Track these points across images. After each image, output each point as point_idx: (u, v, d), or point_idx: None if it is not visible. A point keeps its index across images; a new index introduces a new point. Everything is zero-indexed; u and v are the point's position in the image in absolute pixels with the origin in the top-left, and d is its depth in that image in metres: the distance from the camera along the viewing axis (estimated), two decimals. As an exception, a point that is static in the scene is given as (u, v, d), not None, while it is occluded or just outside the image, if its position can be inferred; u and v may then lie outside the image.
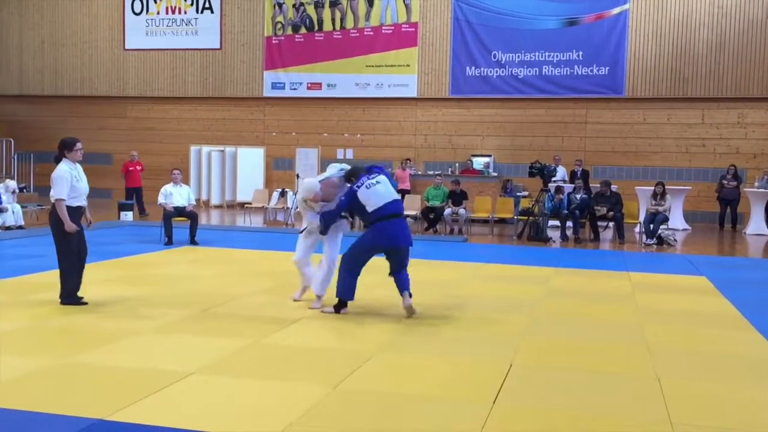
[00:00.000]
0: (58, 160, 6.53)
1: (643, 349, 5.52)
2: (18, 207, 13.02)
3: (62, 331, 5.63)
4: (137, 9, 20.82)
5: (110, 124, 21.28)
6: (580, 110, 18.22)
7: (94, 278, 8.05)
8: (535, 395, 4.40)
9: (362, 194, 6.23)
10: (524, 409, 4.13)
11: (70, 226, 6.33)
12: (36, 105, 21.74)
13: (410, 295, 6.37)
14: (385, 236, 6.28)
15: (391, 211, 6.29)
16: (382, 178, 6.40)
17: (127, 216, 14.91)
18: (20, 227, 12.70)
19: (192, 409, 3.98)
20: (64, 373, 4.58)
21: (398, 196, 6.60)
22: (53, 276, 8.03)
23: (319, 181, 6.73)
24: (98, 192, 21.06)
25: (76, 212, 6.48)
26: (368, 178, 6.33)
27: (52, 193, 6.39)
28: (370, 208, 6.24)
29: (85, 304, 6.51)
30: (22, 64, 21.70)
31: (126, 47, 20.93)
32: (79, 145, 6.60)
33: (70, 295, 6.52)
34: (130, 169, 16.46)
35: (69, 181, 6.36)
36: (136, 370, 4.62)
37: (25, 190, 16.78)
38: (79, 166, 6.62)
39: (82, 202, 6.58)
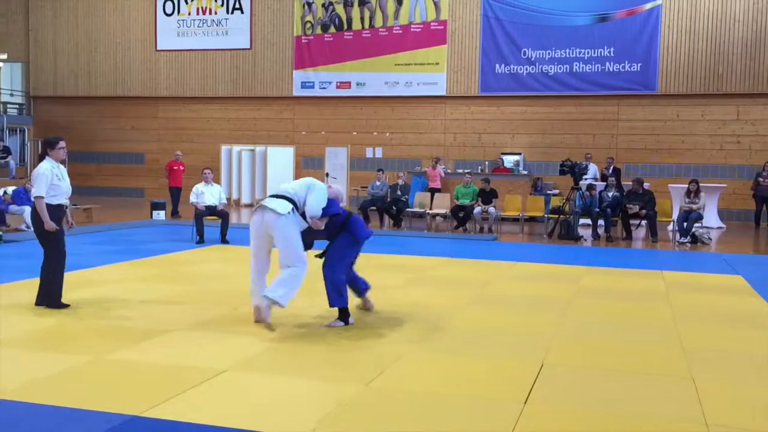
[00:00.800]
0: (41, 159, 6.50)
1: (677, 350, 5.44)
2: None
3: (97, 329, 5.72)
4: (168, 10, 21.08)
5: (142, 124, 21.58)
6: (612, 107, 18.01)
7: (129, 276, 8.19)
8: (567, 395, 4.37)
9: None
10: (556, 409, 4.10)
11: (49, 224, 6.25)
12: (70, 106, 22.13)
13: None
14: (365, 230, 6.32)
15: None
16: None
17: (160, 215, 15.10)
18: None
19: (225, 406, 4.03)
20: (99, 369, 4.66)
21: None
22: (84, 275, 8.19)
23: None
24: (131, 191, 21.47)
25: (56, 211, 6.38)
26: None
27: (32, 191, 6.40)
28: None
29: (67, 306, 6.37)
30: (57, 67, 22.11)
31: (158, 48, 21.21)
32: (61, 144, 6.50)
33: (56, 300, 6.38)
34: (174, 168, 16.41)
35: (49, 179, 6.28)
36: (169, 367, 4.69)
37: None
38: (62, 166, 6.53)
39: (63, 201, 6.48)
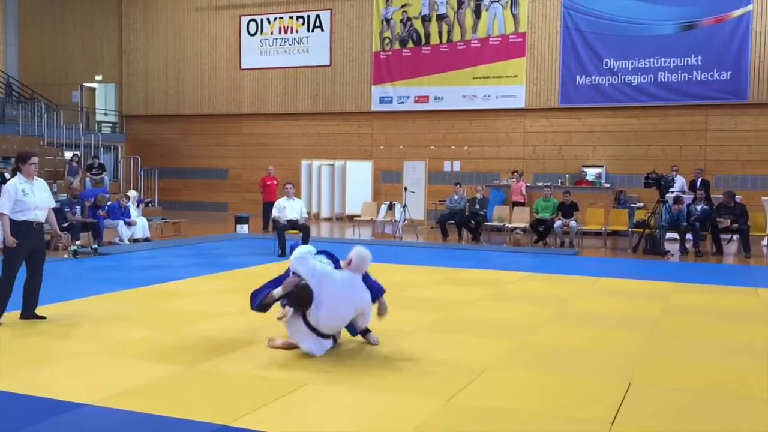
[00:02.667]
0: (13, 174, 6.52)
1: (775, 372, 5.17)
2: (144, 220, 13.84)
3: (186, 339, 5.92)
4: (252, 30, 21.74)
5: (226, 140, 22.28)
6: (700, 117, 17.37)
7: (214, 288, 8.45)
8: (656, 416, 4.22)
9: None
10: (643, 429, 3.96)
11: (9, 239, 6.19)
12: (160, 124, 23.09)
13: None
14: None
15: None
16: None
17: (243, 229, 15.51)
18: (146, 239, 13.49)
19: (309, 419, 4.09)
20: (189, 379, 4.82)
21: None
22: (173, 287, 8.50)
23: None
24: (215, 205, 22.16)
25: (21, 227, 6.25)
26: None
27: None
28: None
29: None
30: (148, 86, 23.13)
31: (242, 67, 21.89)
32: (33, 160, 6.35)
33: None
34: (268, 183, 16.65)
35: (13, 196, 6.20)
36: (254, 378, 4.80)
37: (150, 204, 17.80)
38: (38, 182, 6.42)
39: (30, 216, 6.29)
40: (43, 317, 6.45)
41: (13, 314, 6.41)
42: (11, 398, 4.32)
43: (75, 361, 5.13)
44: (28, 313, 6.46)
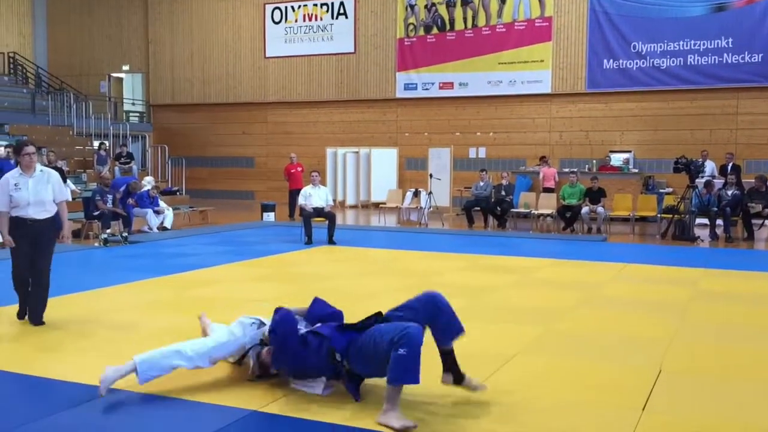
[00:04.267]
0: (16, 165, 6.07)
1: (808, 358, 5.10)
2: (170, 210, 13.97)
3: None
4: (277, 18, 21.77)
5: (252, 129, 22.40)
6: (730, 100, 17.06)
7: (243, 275, 8.54)
8: (687, 402, 4.20)
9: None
10: (675, 417, 3.94)
11: (6, 238, 5.81)
12: (186, 113, 23.28)
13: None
14: None
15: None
16: None
17: (269, 216, 15.61)
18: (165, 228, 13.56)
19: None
20: (223, 364, 4.87)
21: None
22: (202, 274, 8.60)
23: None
24: (242, 194, 22.32)
25: (14, 224, 5.76)
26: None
27: None
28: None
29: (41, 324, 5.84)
30: (174, 76, 23.31)
31: (266, 55, 21.95)
32: (27, 150, 5.74)
33: (18, 315, 6.02)
34: (292, 171, 16.71)
35: (6, 190, 5.69)
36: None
37: (178, 193, 17.98)
38: (39, 174, 5.79)
39: (22, 213, 5.73)
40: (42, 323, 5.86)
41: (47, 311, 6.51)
42: (51, 384, 4.43)
43: (109, 348, 5.22)
44: (33, 318, 5.88)
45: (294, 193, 16.07)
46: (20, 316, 6.03)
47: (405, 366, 3.69)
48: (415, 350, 3.72)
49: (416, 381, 3.73)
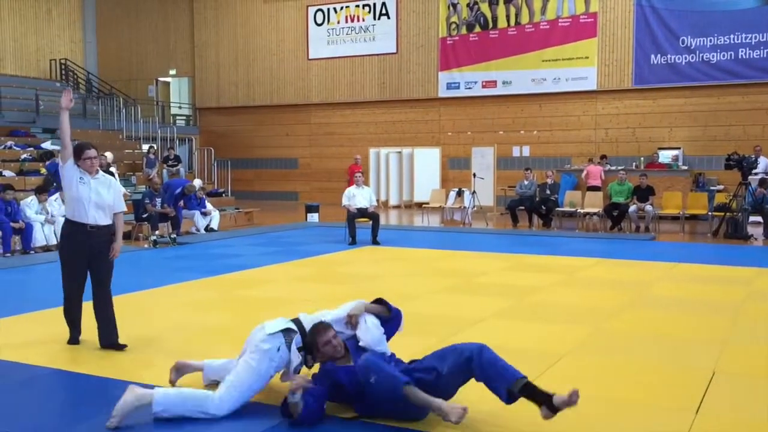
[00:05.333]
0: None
1: None
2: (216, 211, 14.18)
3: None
4: (319, 20, 21.93)
5: (295, 130, 22.60)
6: (784, 95, 16.56)
7: (290, 275, 8.63)
8: (741, 404, 4.10)
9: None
10: (729, 419, 3.85)
11: (68, 248, 5.29)
12: (231, 116, 23.62)
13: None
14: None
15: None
16: None
17: (314, 217, 15.73)
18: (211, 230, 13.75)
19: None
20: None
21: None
22: (251, 274, 8.71)
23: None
24: (286, 194, 22.54)
25: (78, 232, 5.20)
26: None
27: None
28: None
29: (121, 348, 5.22)
30: (220, 79, 23.67)
31: (309, 57, 22.12)
32: (88, 153, 5.23)
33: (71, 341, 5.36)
34: (356, 172, 16.91)
35: (69, 192, 5.24)
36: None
37: (224, 195, 18.25)
38: (104, 177, 5.35)
39: (84, 216, 5.19)
40: (124, 345, 5.24)
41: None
42: (110, 383, 4.54)
43: (163, 347, 5.33)
44: (106, 340, 5.27)
45: None
46: (75, 341, 5.40)
47: (388, 385, 3.69)
48: (379, 370, 3.74)
49: (404, 382, 3.67)
